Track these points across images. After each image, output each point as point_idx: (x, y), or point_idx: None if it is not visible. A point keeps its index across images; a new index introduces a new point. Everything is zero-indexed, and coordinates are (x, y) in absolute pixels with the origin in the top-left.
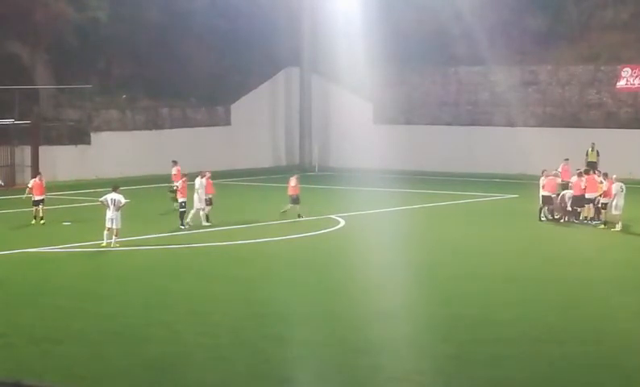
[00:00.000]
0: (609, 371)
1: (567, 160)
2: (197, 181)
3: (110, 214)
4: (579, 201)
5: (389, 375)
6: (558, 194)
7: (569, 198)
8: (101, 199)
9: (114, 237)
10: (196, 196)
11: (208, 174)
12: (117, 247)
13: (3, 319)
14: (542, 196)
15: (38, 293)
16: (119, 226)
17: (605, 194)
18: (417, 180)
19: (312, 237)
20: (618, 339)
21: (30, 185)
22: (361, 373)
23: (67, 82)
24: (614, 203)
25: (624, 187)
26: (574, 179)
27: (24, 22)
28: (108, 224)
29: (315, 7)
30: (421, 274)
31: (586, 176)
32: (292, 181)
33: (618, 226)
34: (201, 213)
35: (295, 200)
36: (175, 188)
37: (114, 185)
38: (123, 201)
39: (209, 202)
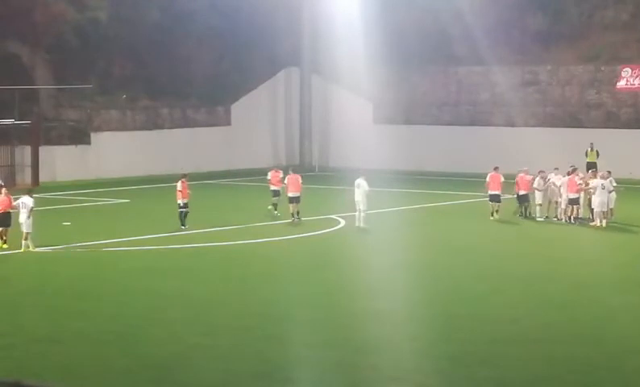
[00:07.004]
0: (609, 371)
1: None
2: (359, 182)
3: (20, 217)
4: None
5: (389, 375)
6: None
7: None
8: (14, 203)
9: (22, 241)
10: (360, 197)
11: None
12: (29, 250)
13: (3, 319)
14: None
15: (38, 293)
16: (29, 231)
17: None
18: (418, 180)
19: (312, 237)
20: (618, 340)
21: None
22: (361, 373)
23: (67, 82)
24: (597, 200)
25: (605, 185)
26: (565, 179)
27: (24, 22)
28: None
29: (315, 7)
30: (421, 274)
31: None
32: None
33: (596, 222)
34: (363, 215)
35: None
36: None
37: (28, 190)
38: (31, 205)
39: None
